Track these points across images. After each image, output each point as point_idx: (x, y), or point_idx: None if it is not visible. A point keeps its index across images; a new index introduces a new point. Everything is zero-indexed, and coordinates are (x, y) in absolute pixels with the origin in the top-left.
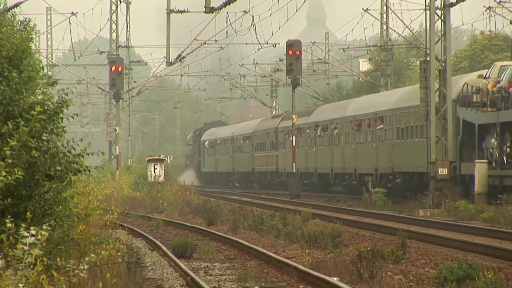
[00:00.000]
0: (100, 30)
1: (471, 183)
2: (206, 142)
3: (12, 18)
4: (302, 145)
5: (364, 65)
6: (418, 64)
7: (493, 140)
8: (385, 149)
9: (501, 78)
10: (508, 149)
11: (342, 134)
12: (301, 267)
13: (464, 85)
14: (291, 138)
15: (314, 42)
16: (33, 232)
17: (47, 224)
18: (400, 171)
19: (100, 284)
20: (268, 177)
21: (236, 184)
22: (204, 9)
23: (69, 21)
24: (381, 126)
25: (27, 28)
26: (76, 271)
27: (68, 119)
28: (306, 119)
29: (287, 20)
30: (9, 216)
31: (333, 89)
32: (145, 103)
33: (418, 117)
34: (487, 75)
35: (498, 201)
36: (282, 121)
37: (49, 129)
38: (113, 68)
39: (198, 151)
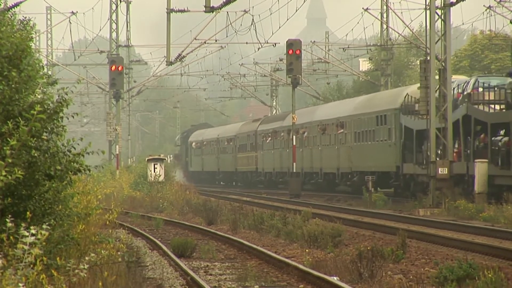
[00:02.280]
0: (100, 30)
1: (411, 181)
2: (193, 143)
3: (12, 18)
4: (277, 147)
5: (364, 65)
6: (418, 63)
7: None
8: (345, 151)
9: None
10: (440, 151)
11: (310, 137)
12: (301, 266)
13: (406, 96)
14: (291, 138)
15: (314, 41)
16: (33, 231)
17: (47, 223)
18: (357, 170)
19: (100, 284)
20: (249, 176)
21: (222, 182)
22: (204, 9)
23: (69, 21)
24: (342, 130)
25: (27, 28)
26: (76, 271)
27: (68, 118)
28: (280, 123)
29: (287, 19)
30: (9, 216)
31: (333, 89)
32: (145, 103)
33: (371, 123)
34: None
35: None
36: (261, 125)
37: (49, 128)
38: (113, 67)
39: (186, 152)
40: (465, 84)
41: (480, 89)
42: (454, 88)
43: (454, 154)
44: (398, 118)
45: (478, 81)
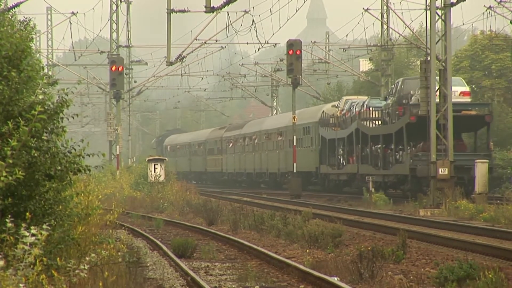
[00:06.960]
0: (101, 30)
1: (326, 178)
2: (168, 147)
3: (13, 18)
4: (237, 151)
5: (365, 65)
6: (419, 64)
7: (338, 150)
8: (283, 155)
9: (344, 108)
10: (345, 155)
11: (259, 143)
12: (301, 267)
13: (322, 112)
14: (292, 139)
15: (315, 42)
16: (34, 231)
17: (47, 223)
18: (291, 170)
19: (101, 284)
20: (216, 176)
21: (193, 181)
22: (204, 9)
23: (70, 21)
24: (281, 138)
25: (27, 28)
26: (77, 271)
27: (68, 119)
28: (239, 131)
29: (288, 20)
30: (9, 216)
31: (333, 89)
32: (145, 103)
33: (300, 132)
34: (337, 105)
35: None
36: (225, 132)
37: (49, 129)
38: (114, 68)
39: (161, 154)
40: (362, 104)
41: (372, 108)
42: (355, 106)
43: (354, 158)
44: (317, 129)
45: (368, 102)
